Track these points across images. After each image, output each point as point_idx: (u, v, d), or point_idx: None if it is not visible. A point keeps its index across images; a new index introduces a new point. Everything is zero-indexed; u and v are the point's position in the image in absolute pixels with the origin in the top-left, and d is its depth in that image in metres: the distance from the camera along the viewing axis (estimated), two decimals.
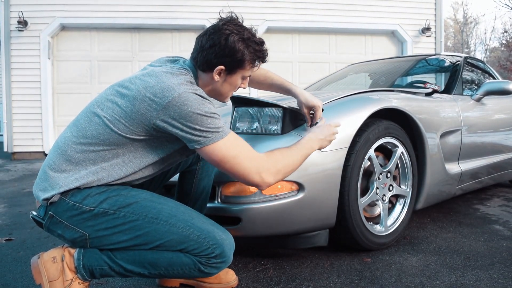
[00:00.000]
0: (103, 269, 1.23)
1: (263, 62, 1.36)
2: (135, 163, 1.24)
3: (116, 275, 1.25)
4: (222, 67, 1.26)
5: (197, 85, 1.29)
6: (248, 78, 1.37)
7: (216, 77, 1.28)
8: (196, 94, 1.18)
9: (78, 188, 1.20)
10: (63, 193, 1.18)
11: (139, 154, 1.24)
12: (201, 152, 1.20)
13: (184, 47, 7.05)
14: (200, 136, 1.17)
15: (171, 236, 1.19)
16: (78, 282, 1.23)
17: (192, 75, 1.28)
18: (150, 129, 1.18)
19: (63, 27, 6.91)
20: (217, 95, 1.36)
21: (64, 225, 1.20)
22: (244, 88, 1.42)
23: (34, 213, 1.26)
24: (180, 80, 1.20)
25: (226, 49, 1.24)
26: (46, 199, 1.19)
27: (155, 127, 1.18)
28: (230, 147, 1.20)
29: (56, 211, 1.20)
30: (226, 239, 1.23)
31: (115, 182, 1.24)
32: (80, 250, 1.24)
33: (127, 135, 1.19)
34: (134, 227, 1.19)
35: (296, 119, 1.61)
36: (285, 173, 1.30)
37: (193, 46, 1.32)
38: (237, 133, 1.69)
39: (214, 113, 1.19)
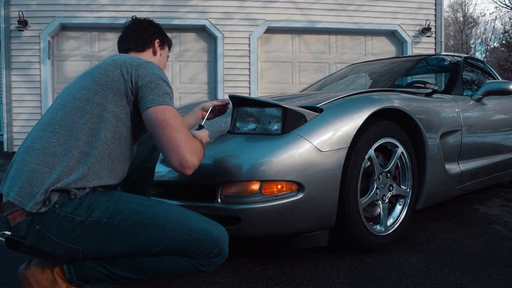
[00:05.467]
0: (98, 277, 1.20)
1: (169, 48, 1.60)
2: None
3: (112, 281, 1.23)
4: (157, 39, 1.48)
5: None
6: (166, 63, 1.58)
7: (158, 48, 1.48)
8: None
9: (68, 191, 1.09)
10: (54, 204, 1.07)
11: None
12: None
13: (184, 47, 7.03)
14: None
15: (170, 241, 1.16)
16: None
17: None
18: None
19: (63, 27, 6.91)
20: None
21: (53, 241, 1.08)
22: None
23: (9, 233, 1.07)
24: None
25: (151, 23, 1.49)
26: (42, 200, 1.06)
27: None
28: None
29: (44, 224, 1.07)
30: (222, 235, 1.22)
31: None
32: (69, 263, 1.19)
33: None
34: (130, 235, 1.13)
35: (297, 119, 1.61)
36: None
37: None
38: (237, 133, 1.70)
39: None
